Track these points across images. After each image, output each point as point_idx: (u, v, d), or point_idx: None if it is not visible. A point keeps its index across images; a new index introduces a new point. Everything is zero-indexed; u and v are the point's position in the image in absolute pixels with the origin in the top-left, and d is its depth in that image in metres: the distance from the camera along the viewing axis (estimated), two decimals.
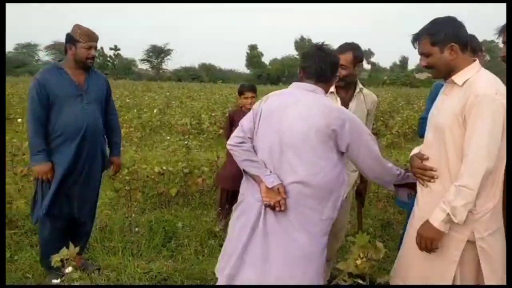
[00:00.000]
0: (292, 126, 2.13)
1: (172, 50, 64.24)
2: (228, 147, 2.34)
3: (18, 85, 19.97)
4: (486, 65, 2.34)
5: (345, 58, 2.71)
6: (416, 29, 2.06)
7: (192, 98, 17.67)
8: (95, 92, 3.09)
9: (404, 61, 76.18)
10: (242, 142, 2.26)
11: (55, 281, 2.86)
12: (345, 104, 2.85)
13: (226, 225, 3.08)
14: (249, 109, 3.99)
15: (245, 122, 2.33)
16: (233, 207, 2.39)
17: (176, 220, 4.17)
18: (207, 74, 59.53)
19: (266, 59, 68.67)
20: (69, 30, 3.00)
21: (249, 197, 2.25)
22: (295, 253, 2.14)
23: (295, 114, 2.13)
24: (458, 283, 1.98)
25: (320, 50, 2.23)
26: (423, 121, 3.03)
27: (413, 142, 8.76)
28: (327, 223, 2.19)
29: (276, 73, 56.27)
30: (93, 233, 3.88)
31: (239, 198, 2.35)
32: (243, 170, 2.26)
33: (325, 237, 2.21)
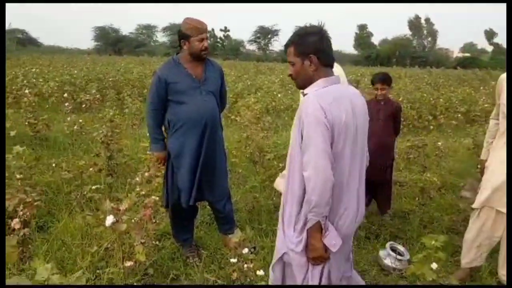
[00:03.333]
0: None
1: (279, 31, 64.63)
2: None
3: (145, 65, 21.71)
4: None
5: None
6: None
7: None
8: (212, 84, 3.23)
9: None
10: None
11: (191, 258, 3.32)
12: None
13: None
14: (381, 100, 4.04)
15: None
16: None
17: None
18: None
19: (375, 40, 65.91)
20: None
21: None
22: None
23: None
24: None
25: (322, 31, 1.99)
26: None
27: None
28: None
29: (386, 54, 53.77)
30: (243, 212, 4.17)
31: None
32: None
33: None
